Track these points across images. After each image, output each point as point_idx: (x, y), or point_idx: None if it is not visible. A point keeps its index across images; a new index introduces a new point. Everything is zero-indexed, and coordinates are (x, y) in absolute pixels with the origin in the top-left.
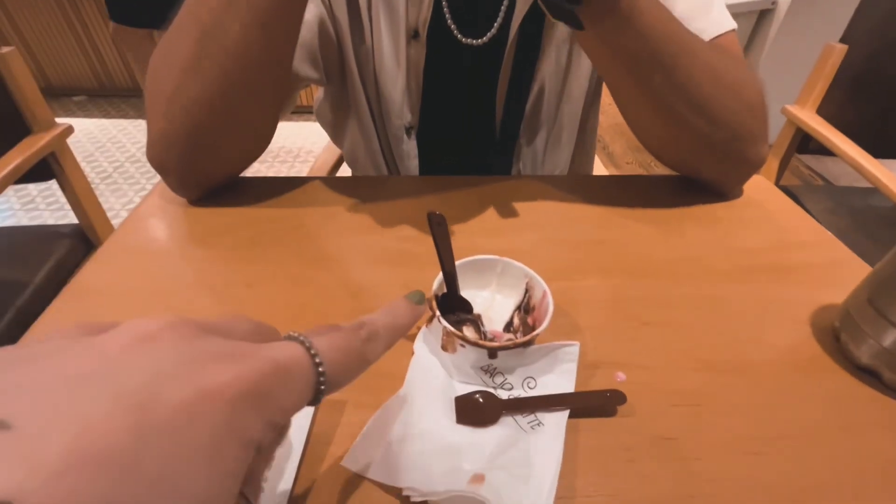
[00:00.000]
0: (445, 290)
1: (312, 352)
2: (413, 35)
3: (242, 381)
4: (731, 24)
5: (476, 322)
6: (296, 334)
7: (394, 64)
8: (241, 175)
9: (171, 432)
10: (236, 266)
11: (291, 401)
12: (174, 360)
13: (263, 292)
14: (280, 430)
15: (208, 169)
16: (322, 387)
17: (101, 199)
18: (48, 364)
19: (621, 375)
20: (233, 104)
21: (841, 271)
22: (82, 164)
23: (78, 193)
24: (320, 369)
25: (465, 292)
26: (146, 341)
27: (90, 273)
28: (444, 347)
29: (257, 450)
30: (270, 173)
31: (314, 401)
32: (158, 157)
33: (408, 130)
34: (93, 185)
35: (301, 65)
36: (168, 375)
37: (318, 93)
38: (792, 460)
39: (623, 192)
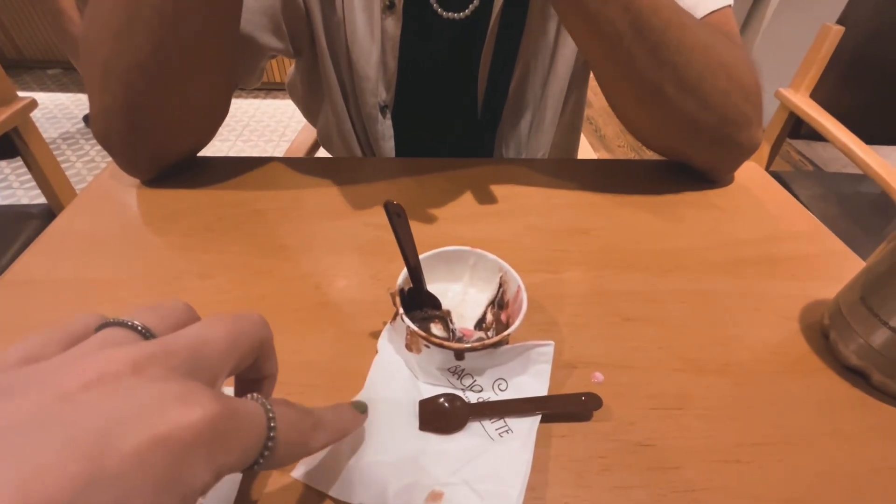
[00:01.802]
0: (411, 285)
1: (271, 416)
2: (388, 6)
3: (199, 426)
4: None
5: (445, 319)
6: (258, 397)
7: (367, 37)
8: (201, 154)
9: (118, 481)
10: (190, 255)
11: (238, 453)
12: (131, 403)
13: (218, 284)
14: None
15: (156, 146)
16: (266, 452)
17: (77, 177)
18: (5, 406)
19: (599, 376)
20: (173, 73)
21: (832, 264)
22: (57, 140)
23: (45, 171)
24: (272, 433)
25: (436, 285)
26: (107, 381)
27: (27, 262)
28: (408, 347)
29: (198, 497)
30: (241, 155)
31: (251, 466)
32: (101, 132)
33: (382, 109)
34: (68, 162)
35: (262, 34)
36: (124, 420)
37: (292, 66)
38: (776, 469)
39: (610, 177)
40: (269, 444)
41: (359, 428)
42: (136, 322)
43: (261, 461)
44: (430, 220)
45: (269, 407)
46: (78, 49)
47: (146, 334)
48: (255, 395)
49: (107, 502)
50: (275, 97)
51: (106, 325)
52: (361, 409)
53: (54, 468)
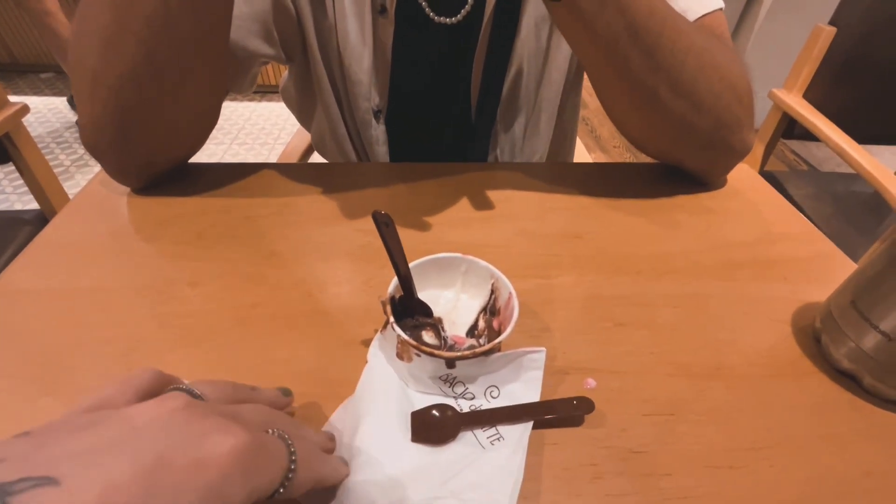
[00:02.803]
0: (402, 293)
1: (292, 451)
2: (380, 10)
3: (234, 452)
4: (719, 2)
5: (436, 327)
6: (280, 432)
7: (359, 41)
8: (193, 160)
9: (172, 490)
10: (181, 262)
11: (268, 479)
12: (184, 432)
13: (209, 292)
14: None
15: (146, 154)
16: (290, 475)
17: (70, 182)
18: (92, 434)
19: (591, 382)
20: (163, 82)
21: (824, 266)
22: (50, 144)
23: (37, 177)
24: (293, 459)
25: (428, 292)
26: (165, 416)
27: (17, 272)
28: (399, 356)
29: None
30: (236, 160)
31: (277, 490)
32: (90, 141)
33: (376, 114)
34: (62, 167)
35: (253, 40)
36: (176, 445)
37: (286, 71)
38: (767, 474)
39: (604, 180)
40: (291, 469)
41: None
42: (194, 389)
43: (286, 484)
44: (422, 225)
45: (289, 441)
46: (65, 51)
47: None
48: (276, 430)
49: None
50: (270, 100)
51: (172, 389)
52: (344, 462)
53: (127, 479)
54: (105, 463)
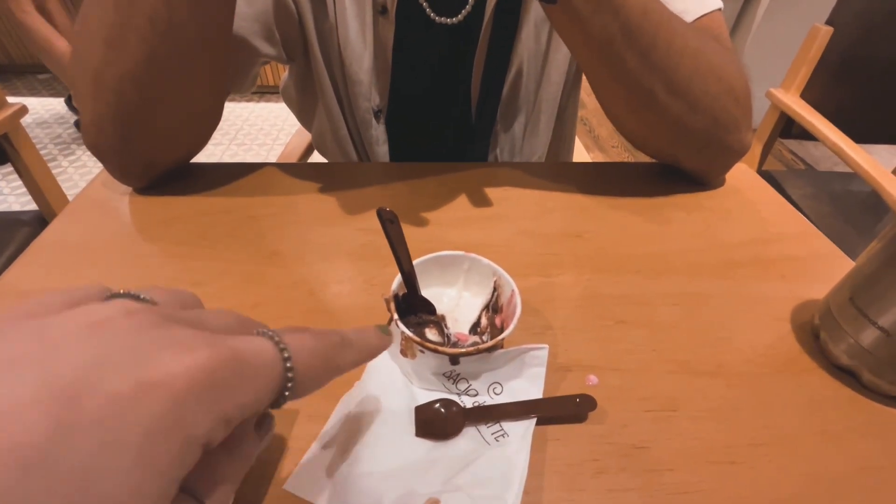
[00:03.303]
0: (406, 291)
1: (282, 349)
2: (380, 10)
3: (194, 371)
4: (717, 2)
5: (440, 324)
6: (266, 330)
7: (360, 42)
8: (194, 161)
9: (97, 426)
10: (183, 262)
11: (250, 398)
12: (120, 348)
13: (212, 292)
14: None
15: (149, 154)
16: (289, 385)
17: (69, 182)
18: None
19: (593, 379)
20: (165, 82)
21: (822, 265)
22: (49, 146)
23: (36, 178)
24: (289, 365)
25: (431, 290)
26: (95, 327)
27: (18, 273)
28: (403, 353)
29: (204, 447)
30: (234, 160)
31: (276, 403)
32: (93, 141)
33: (376, 114)
34: (60, 168)
35: (255, 39)
36: (108, 364)
37: (286, 71)
38: (768, 469)
39: (603, 180)
40: (289, 376)
41: (383, 351)
42: (140, 293)
43: (286, 395)
44: (424, 224)
45: (277, 339)
46: (55, 59)
47: (149, 304)
48: (263, 329)
49: (84, 445)
50: (269, 101)
51: (112, 296)
52: (385, 331)
53: (28, 408)
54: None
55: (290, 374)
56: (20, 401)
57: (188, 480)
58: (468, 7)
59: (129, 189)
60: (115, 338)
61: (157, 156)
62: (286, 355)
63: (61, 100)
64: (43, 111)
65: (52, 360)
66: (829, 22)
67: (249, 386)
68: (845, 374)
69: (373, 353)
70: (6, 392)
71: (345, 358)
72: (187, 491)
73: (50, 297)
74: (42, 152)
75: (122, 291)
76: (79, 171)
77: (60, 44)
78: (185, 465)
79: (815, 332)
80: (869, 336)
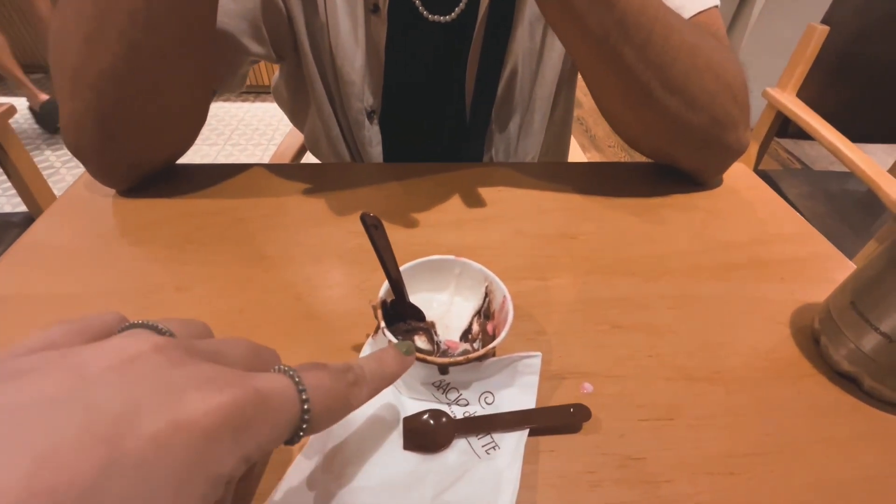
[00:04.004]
0: (394, 297)
1: (300, 387)
2: (372, 9)
3: (221, 411)
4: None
5: (429, 331)
6: (285, 367)
7: (352, 41)
8: (184, 160)
9: (138, 467)
10: (168, 266)
11: (269, 436)
12: (153, 386)
13: (196, 296)
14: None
15: (131, 155)
16: (304, 425)
17: (61, 184)
18: (25, 384)
19: (588, 387)
20: (146, 79)
21: (821, 266)
22: (41, 146)
23: (25, 179)
24: (306, 406)
25: (421, 295)
26: (128, 364)
27: None
28: None
29: (227, 485)
30: (229, 160)
31: (291, 440)
32: (72, 141)
33: (369, 115)
34: (52, 168)
35: (242, 37)
36: (144, 405)
37: (277, 70)
38: (768, 479)
39: (599, 180)
40: (305, 416)
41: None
42: (157, 324)
43: (300, 434)
44: (416, 226)
45: (297, 379)
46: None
47: (168, 336)
48: (280, 365)
49: (127, 488)
50: (264, 100)
51: (130, 326)
52: (405, 349)
53: (74, 451)
54: (42, 425)
55: (306, 415)
56: (66, 442)
57: None
58: (462, 5)
59: (113, 191)
60: (148, 375)
61: (140, 156)
62: (304, 396)
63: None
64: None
65: (92, 399)
66: (825, 21)
67: (271, 424)
68: (846, 381)
69: (389, 382)
70: (52, 433)
71: (358, 396)
72: None
73: (67, 327)
74: (33, 153)
75: (139, 322)
76: (71, 172)
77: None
78: (209, 501)
79: (815, 337)
80: (870, 341)
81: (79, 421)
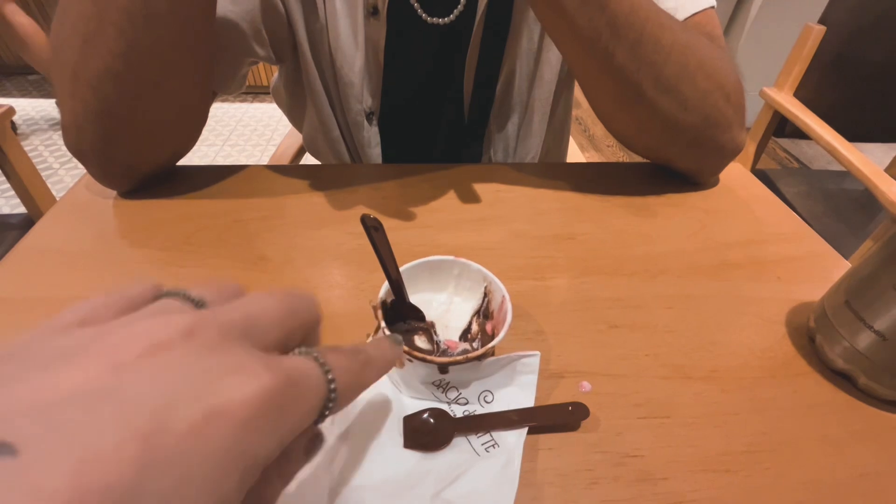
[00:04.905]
0: (394, 297)
1: (326, 368)
2: (372, 11)
3: (257, 399)
4: (710, 0)
5: (429, 331)
6: (309, 350)
7: (351, 43)
8: (184, 162)
9: (177, 461)
10: (168, 268)
11: (302, 418)
12: (187, 376)
13: None
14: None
15: (131, 156)
16: (330, 404)
17: (59, 185)
18: (62, 377)
19: (586, 385)
20: (145, 79)
21: (817, 266)
22: (39, 147)
23: (24, 180)
24: (332, 387)
25: (421, 295)
26: (161, 351)
27: None
28: None
29: (263, 470)
30: (228, 161)
31: (317, 421)
32: (73, 142)
33: (368, 116)
34: (51, 169)
35: (242, 40)
36: (179, 396)
37: (276, 70)
38: (764, 477)
39: (597, 180)
40: (332, 396)
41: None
42: (190, 293)
43: (326, 413)
44: (415, 227)
45: (322, 360)
46: (34, 52)
47: (200, 305)
48: (302, 348)
49: (166, 481)
50: (262, 101)
51: (163, 295)
52: (396, 340)
53: (115, 449)
54: (80, 423)
55: (332, 394)
56: (105, 441)
57: None
58: (460, 7)
59: (114, 193)
60: (182, 364)
61: (141, 157)
62: (330, 377)
63: (52, 101)
64: (33, 112)
65: (127, 392)
66: (821, 21)
67: (302, 408)
68: (841, 379)
69: (390, 366)
70: (92, 432)
71: (370, 375)
72: None
73: (104, 300)
74: (31, 154)
75: (168, 290)
76: (70, 174)
77: (39, 37)
78: (245, 488)
79: (810, 336)
80: (865, 340)
81: (116, 418)
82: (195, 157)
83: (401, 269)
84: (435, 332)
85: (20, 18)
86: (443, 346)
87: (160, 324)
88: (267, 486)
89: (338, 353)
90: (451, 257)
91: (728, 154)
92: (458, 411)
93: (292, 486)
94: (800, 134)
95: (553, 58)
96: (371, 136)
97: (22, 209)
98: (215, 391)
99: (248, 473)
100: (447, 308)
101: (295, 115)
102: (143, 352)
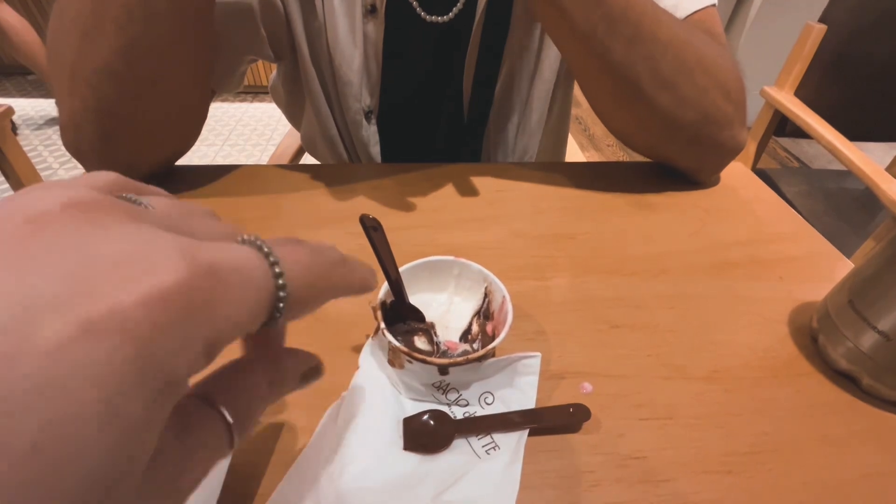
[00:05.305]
0: (394, 298)
1: (273, 262)
2: (370, 10)
3: (162, 295)
4: None
5: (429, 332)
6: (252, 237)
7: (349, 41)
8: (183, 161)
9: (42, 392)
10: None
11: (235, 318)
12: (61, 266)
13: None
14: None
15: (130, 155)
16: (281, 304)
17: None
18: None
19: (587, 386)
20: (143, 76)
21: (819, 265)
22: (38, 147)
23: (23, 180)
24: (280, 281)
25: (421, 296)
26: (36, 230)
27: None
28: (391, 362)
29: (187, 380)
30: (228, 161)
31: (268, 324)
32: (71, 140)
33: (367, 115)
34: (50, 169)
35: (241, 38)
36: (47, 299)
37: (275, 70)
38: (766, 478)
39: (597, 179)
40: (281, 294)
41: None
42: (144, 200)
43: (277, 315)
44: (414, 226)
45: (267, 249)
46: (32, 59)
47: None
48: (248, 235)
49: (32, 419)
50: (262, 101)
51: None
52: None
53: None
54: None
55: (281, 292)
56: None
57: (208, 387)
58: (459, 5)
59: None
60: (56, 248)
61: (140, 156)
62: (278, 270)
63: (51, 101)
64: (32, 111)
65: None
66: (822, 20)
67: (235, 304)
68: (845, 379)
69: (365, 286)
70: None
71: (343, 277)
72: (206, 399)
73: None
74: (31, 154)
75: (125, 195)
76: (69, 174)
77: (30, 36)
78: (165, 409)
79: (813, 336)
80: (868, 340)
81: None
82: (195, 156)
83: (400, 269)
84: (435, 333)
85: (10, 19)
86: (443, 348)
87: (41, 194)
88: (254, 389)
89: (295, 246)
90: (450, 257)
91: (728, 152)
92: (458, 413)
93: (293, 486)
94: (800, 133)
95: (553, 55)
96: (370, 135)
97: None
98: (99, 290)
99: (162, 394)
100: (447, 308)
101: (293, 114)
102: (11, 232)
